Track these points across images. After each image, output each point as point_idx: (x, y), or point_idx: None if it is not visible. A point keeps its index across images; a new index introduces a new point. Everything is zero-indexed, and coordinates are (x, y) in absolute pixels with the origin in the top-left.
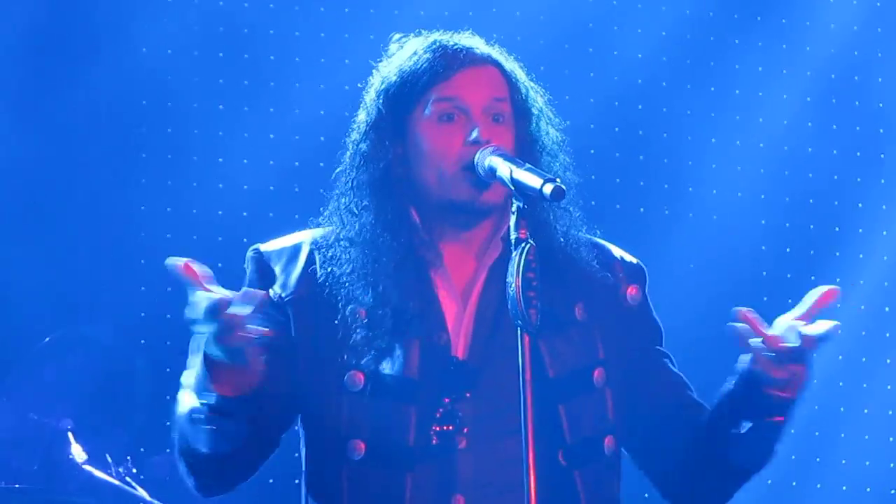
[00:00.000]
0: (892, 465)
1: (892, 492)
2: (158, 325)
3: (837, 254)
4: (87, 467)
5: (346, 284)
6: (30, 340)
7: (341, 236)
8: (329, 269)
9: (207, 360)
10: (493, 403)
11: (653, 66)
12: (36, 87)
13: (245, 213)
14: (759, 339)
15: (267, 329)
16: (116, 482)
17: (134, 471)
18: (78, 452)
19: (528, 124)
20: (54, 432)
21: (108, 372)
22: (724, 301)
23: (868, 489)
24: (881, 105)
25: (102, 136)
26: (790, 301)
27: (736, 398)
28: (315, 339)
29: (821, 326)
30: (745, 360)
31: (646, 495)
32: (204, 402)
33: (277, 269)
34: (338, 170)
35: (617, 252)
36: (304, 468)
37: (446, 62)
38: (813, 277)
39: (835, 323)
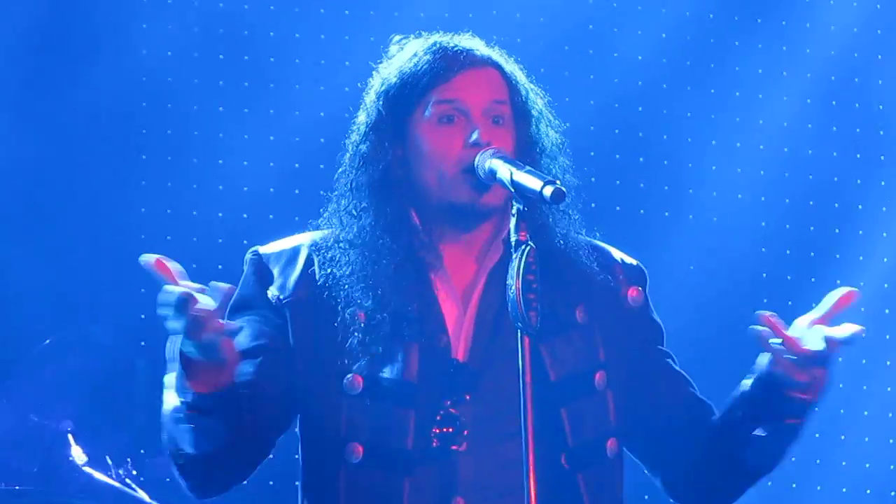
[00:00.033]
0: (892, 467)
1: (893, 494)
2: (158, 327)
3: (837, 255)
4: (87, 469)
5: (346, 287)
6: (30, 342)
7: (340, 238)
8: (328, 271)
9: (183, 357)
10: (494, 406)
11: (653, 67)
12: (36, 89)
13: (245, 215)
14: (780, 341)
15: (235, 324)
16: (116, 484)
17: (134, 472)
18: (78, 454)
19: (527, 126)
20: (54, 434)
21: (108, 373)
22: (724, 302)
23: (868, 491)
24: (881, 107)
25: (103, 137)
26: (790, 303)
27: (755, 400)
28: (314, 341)
29: (845, 330)
30: (763, 362)
31: (646, 497)
32: (182, 400)
33: (276, 272)
34: (338, 171)
35: (617, 254)
36: (301, 471)
37: (446, 64)
38: (813, 279)
39: (859, 327)
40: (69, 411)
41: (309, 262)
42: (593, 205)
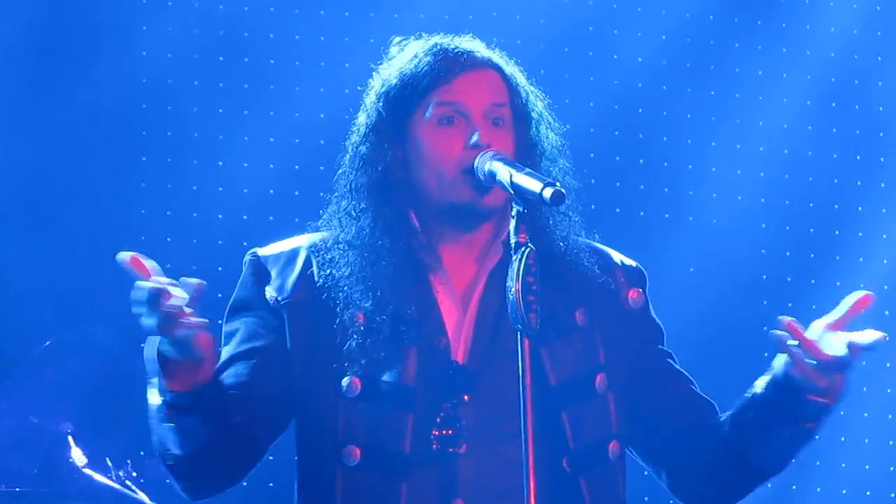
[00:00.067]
0: (891, 468)
1: (893, 495)
2: None
3: (837, 257)
4: (87, 471)
5: (345, 288)
6: (30, 343)
7: (340, 239)
8: (327, 272)
9: (160, 355)
10: (494, 408)
11: (653, 69)
12: (36, 90)
13: (245, 217)
14: (797, 344)
15: (204, 319)
16: (116, 485)
17: (134, 474)
18: (78, 456)
19: (527, 129)
20: (54, 435)
21: (108, 375)
22: (724, 304)
23: (868, 493)
24: (881, 109)
25: (103, 139)
26: (790, 304)
27: (769, 402)
28: (312, 343)
29: (868, 336)
30: (779, 365)
31: (645, 499)
32: (161, 399)
33: (274, 273)
34: (338, 172)
35: (617, 257)
36: (297, 473)
37: (447, 65)
38: (813, 281)
39: (881, 333)
40: (69, 413)
41: (307, 263)
42: (593, 206)
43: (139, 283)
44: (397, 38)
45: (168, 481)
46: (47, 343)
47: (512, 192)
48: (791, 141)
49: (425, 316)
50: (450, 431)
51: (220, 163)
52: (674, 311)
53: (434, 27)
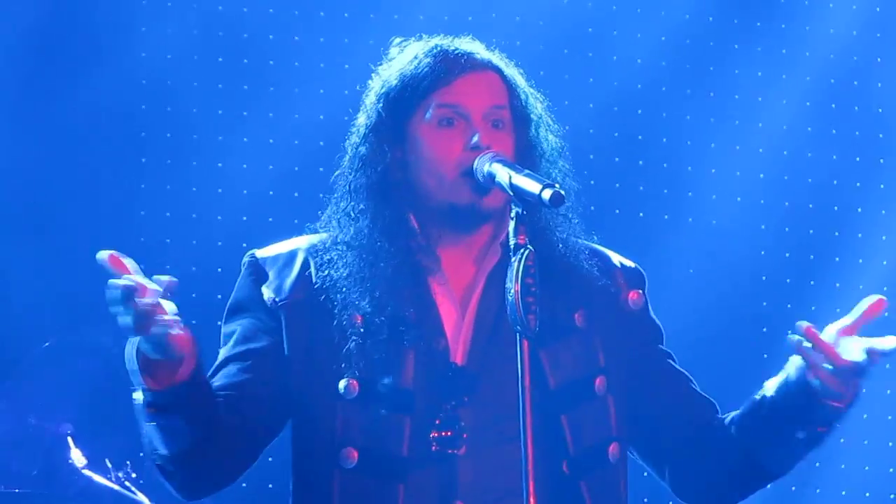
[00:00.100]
0: (891, 469)
1: (892, 496)
2: None
3: (837, 258)
4: (87, 472)
5: (343, 289)
6: (30, 344)
7: (338, 240)
8: (326, 273)
9: (139, 354)
10: (493, 409)
11: (652, 70)
12: (36, 91)
13: (244, 218)
14: (811, 346)
15: (177, 317)
16: (116, 487)
17: (133, 475)
18: (77, 457)
19: (527, 130)
20: (54, 436)
21: (108, 376)
22: (723, 305)
23: (867, 494)
24: (880, 110)
25: (102, 140)
26: (789, 306)
27: (785, 406)
28: (310, 344)
29: (888, 342)
30: (792, 369)
31: (644, 500)
32: (141, 398)
33: (272, 275)
34: (336, 173)
35: (616, 258)
36: (292, 475)
37: (447, 67)
38: (812, 282)
39: None
40: (69, 414)
41: (305, 265)
42: (592, 208)
43: (112, 281)
44: (397, 40)
45: None
46: (47, 344)
47: (511, 193)
48: (790, 142)
49: (424, 317)
50: (449, 433)
51: (220, 164)
52: (673, 312)
53: (434, 28)
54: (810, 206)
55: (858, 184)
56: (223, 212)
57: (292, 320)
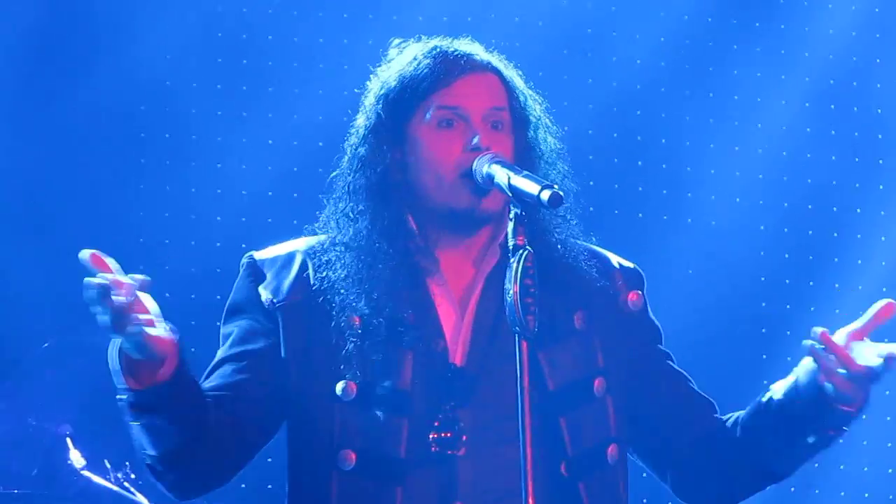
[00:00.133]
0: (890, 470)
1: (891, 497)
2: None
3: (836, 259)
4: (86, 472)
5: (341, 291)
6: (30, 344)
7: (337, 241)
8: (324, 274)
9: (121, 354)
10: (492, 410)
11: (651, 71)
12: (36, 92)
13: (243, 219)
14: (825, 351)
15: (149, 317)
16: (115, 487)
17: (132, 476)
18: (77, 458)
19: (526, 132)
20: (53, 437)
21: (107, 377)
22: (722, 306)
23: (866, 495)
24: (879, 111)
25: (101, 141)
26: (788, 306)
27: (794, 410)
28: (307, 346)
29: None
30: (802, 373)
31: (644, 501)
32: (122, 397)
33: (270, 276)
34: (334, 174)
35: (615, 259)
36: (289, 477)
37: (447, 68)
38: (811, 283)
39: None
40: (68, 415)
41: (303, 266)
42: (592, 208)
43: (86, 279)
44: (396, 41)
45: None
46: (46, 344)
47: (510, 194)
48: (790, 143)
49: (422, 319)
50: (448, 434)
51: (219, 165)
52: (673, 313)
53: (433, 29)
54: (809, 206)
55: (857, 184)
56: (222, 212)
57: (290, 322)
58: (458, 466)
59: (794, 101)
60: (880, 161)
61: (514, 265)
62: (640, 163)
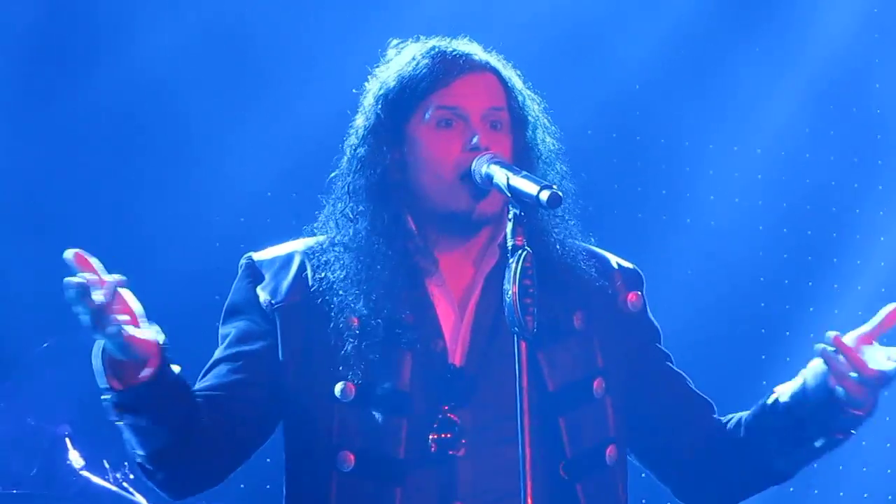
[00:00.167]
0: (889, 471)
1: (891, 497)
2: None
3: (835, 260)
4: (85, 472)
5: (340, 292)
6: (29, 344)
7: (336, 241)
8: (322, 275)
9: (104, 354)
10: (492, 411)
11: (651, 71)
12: (36, 92)
13: (242, 219)
14: (834, 350)
15: (126, 317)
16: (114, 487)
17: (131, 476)
18: (76, 458)
19: (525, 132)
20: (52, 437)
21: None
22: (722, 306)
23: (865, 495)
24: (879, 111)
25: (101, 141)
26: (787, 307)
27: (802, 412)
28: (306, 346)
29: None
30: (811, 376)
31: (643, 501)
32: (106, 398)
33: (268, 277)
34: (333, 174)
35: (614, 260)
36: (287, 478)
37: (445, 68)
38: (810, 283)
39: None
40: (67, 415)
41: (302, 267)
42: (591, 209)
43: (66, 279)
44: (395, 41)
45: None
46: (45, 345)
47: (509, 194)
48: (789, 143)
49: (421, 319)
50: (448, 435)
51: (218, 165)
52: (672, 313)
53: (432, 29)
54: (808, 206)
55: (856, 185)
56: (221, 212)
57: (288, 323)
58: (457, 467)
59: (793, 102)
60: (879, 161)
61: (513, 265)
62: (639, 163)
